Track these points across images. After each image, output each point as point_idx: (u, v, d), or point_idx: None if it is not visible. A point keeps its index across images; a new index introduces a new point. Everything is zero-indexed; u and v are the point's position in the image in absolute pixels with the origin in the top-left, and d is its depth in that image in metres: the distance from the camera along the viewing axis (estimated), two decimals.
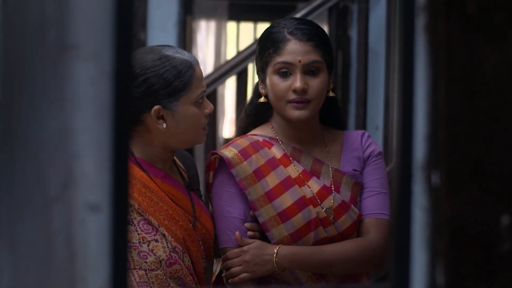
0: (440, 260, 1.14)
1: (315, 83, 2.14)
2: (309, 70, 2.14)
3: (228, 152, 2.17)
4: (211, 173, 2.19)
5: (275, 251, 2.10)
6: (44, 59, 1.07)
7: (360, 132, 2.30)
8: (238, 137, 2.25)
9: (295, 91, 2.12)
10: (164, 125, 2.05)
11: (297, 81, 2.12)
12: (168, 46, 2.11)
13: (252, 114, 2.28)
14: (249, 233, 2.15)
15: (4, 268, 1.11)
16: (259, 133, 2.24)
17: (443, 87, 1.13)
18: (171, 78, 2.03)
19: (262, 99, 2.21)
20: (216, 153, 2.18)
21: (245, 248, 2.12)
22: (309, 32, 2.15)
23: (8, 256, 1.11)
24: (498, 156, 1.14)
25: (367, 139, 2.26)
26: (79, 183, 1.06)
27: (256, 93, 2.25)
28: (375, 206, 2.19)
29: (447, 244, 1.13)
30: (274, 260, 2.10)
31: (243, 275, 2.12)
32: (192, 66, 2.07)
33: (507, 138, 1.15)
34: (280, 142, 2.21)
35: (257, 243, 2.13)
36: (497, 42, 1.13)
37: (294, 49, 2.13)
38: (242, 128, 2.30)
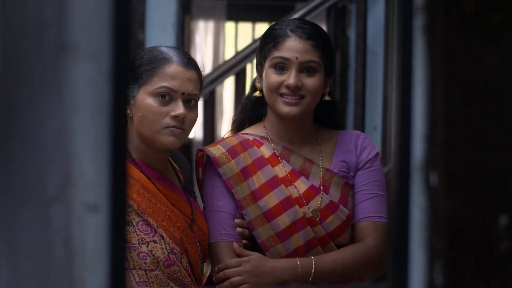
0: (438, 260, 1.14)
1: (310, 82, 2.13)
2: (305, 69, 2.14)
3: (216, 151, 2.17)
4: (200, 169, 2.20)
5: (275, 264, 2.09)
6: (42, 59, 1.07)
7: (355, 133, 2.28)
8: (229, 136, 2.26)
9: (288, 86, 2.12)
10: (128, 111, 2.04)
11: (291, 78, 2.12)
12: (175, 47, 2.12)
13: (248, 109, 2.28)
14: (238, 229, 2.14)
15: (3, 268, 1.11)
16: (251, 132, 2.25)
17: (441, 87, 1.13)
18: (138, 64, 2.03)
19: (257, 93, 2.21)
20: (203, 151, 2.19)
21: (245, 258, 2.10)
22: (310, 31, 2.15)
23: (7, 256, 1.11)
24: (496, 155, 1.15)
25: (363, 142, 2.24)
26: (78, 183, 1.06)
27: (253, 88, 2.26)
28: (372, 209, 2.18)
29: (445, 244, 1.14)
30: (275, 273, 2.09)
31: (244, 286, 2.08)
32: (168, 61, 2.06)
33: (505, 138, 1.15)
34: (270, 141, 2.22)
35: (257, 255, 2.11)
36: (495, 42, 1.14)
37: (293, 46, 2.14)
38: (238, 122, 2.30)
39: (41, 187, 1.07)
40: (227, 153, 2.16)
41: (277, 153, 2.20)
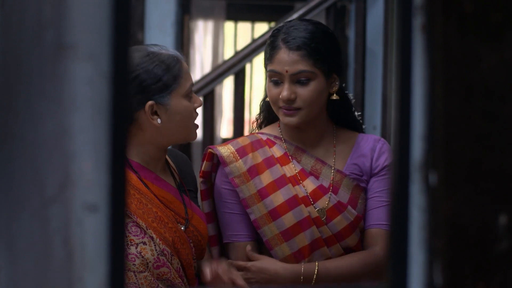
0: (437, 259, 1.14)
1: (304, 92, 2.14)
2: (298, 80, 2.14)
3: (225, 150, 2.20)
4: (206, 163, 2.22)
5: (278, 270, 2.12)
6: (41, 59, 1.07)
7: (375, 137, 2.28)
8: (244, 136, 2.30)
9: (282, 99, 2.14)
10: (159, 121, 2.06)
11: (284, 91, 2.13)
12: (153, 44, 2.14)
13: (264, 111, 2.32)
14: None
15: (2, 268, 1.11)
16: (267, 131, 2.28)
17: (440, 87, 1.13)
18: (161, 72, 2.06)
19: (267, 98, 2.24)
20: (212, 149, 2.21)
21: (249, 264, 2.15)
22: (300, 40, 2.13)
23: (6, 256, 1.11)
24: (495, 155, 1.15)
25: (381, 147, 2.23)
26: (77, 183, 1.06)
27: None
28: (383, 216, 2.18)
29: (444, 244, 1.13)
30: (277, 279, 2.12)
31: None
32: (179, 60, 2.10)
33: (505, 138, 1.15)
34: (283, 141, 2.24)
35: (260, 262, 2.15)
36: (494, 42, 1.14)
37: (282, 59, 2.14)
38: (258, 122, 2.34)
39: (40, 187, 1.07)
40: (235, 153, 2.19)
41: (288, 153, 2.22)
